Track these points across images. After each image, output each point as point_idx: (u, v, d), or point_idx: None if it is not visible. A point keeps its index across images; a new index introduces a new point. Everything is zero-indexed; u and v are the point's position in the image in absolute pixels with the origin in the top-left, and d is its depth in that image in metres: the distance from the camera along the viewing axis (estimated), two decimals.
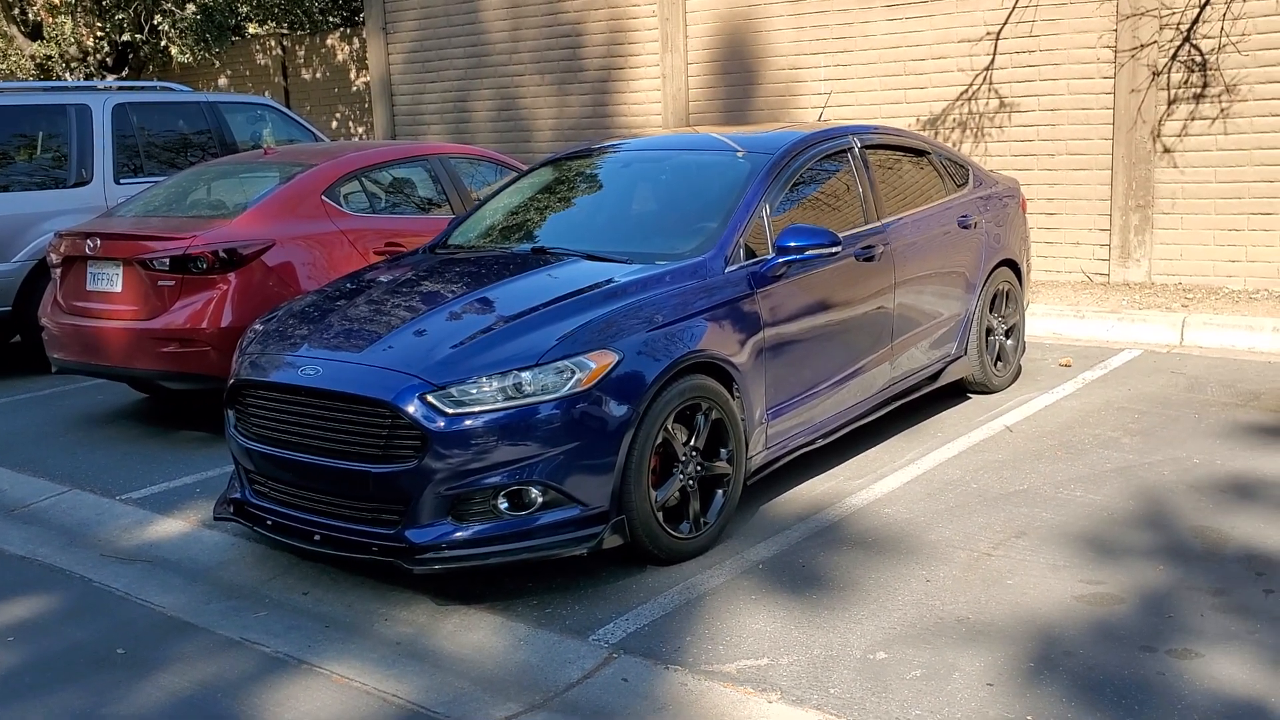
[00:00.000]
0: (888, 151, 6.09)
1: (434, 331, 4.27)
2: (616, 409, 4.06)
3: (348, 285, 5.02)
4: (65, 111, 8.80)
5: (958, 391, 6.63)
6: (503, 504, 3.98)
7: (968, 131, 9.46)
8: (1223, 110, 8.34)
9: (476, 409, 3.92)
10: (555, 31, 12.10)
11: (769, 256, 4.86)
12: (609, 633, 3.85)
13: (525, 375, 3.98)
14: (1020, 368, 7.15)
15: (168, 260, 6.20)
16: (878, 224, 5.61)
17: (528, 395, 3.96)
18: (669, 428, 4.27)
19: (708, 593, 4.13)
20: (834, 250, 4.87)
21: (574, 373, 4.02)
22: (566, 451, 3.98)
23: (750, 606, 4.01)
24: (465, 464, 3.91)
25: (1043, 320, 8.30)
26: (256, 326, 4.83)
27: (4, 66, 18.14)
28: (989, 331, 6.59)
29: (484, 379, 3.97)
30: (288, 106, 17.69)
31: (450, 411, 3.91)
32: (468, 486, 3.93)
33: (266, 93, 17.61)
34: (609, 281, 4.52)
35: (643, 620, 3.93)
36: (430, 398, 3.93)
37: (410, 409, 3.91)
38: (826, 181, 5.60)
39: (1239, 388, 6.56)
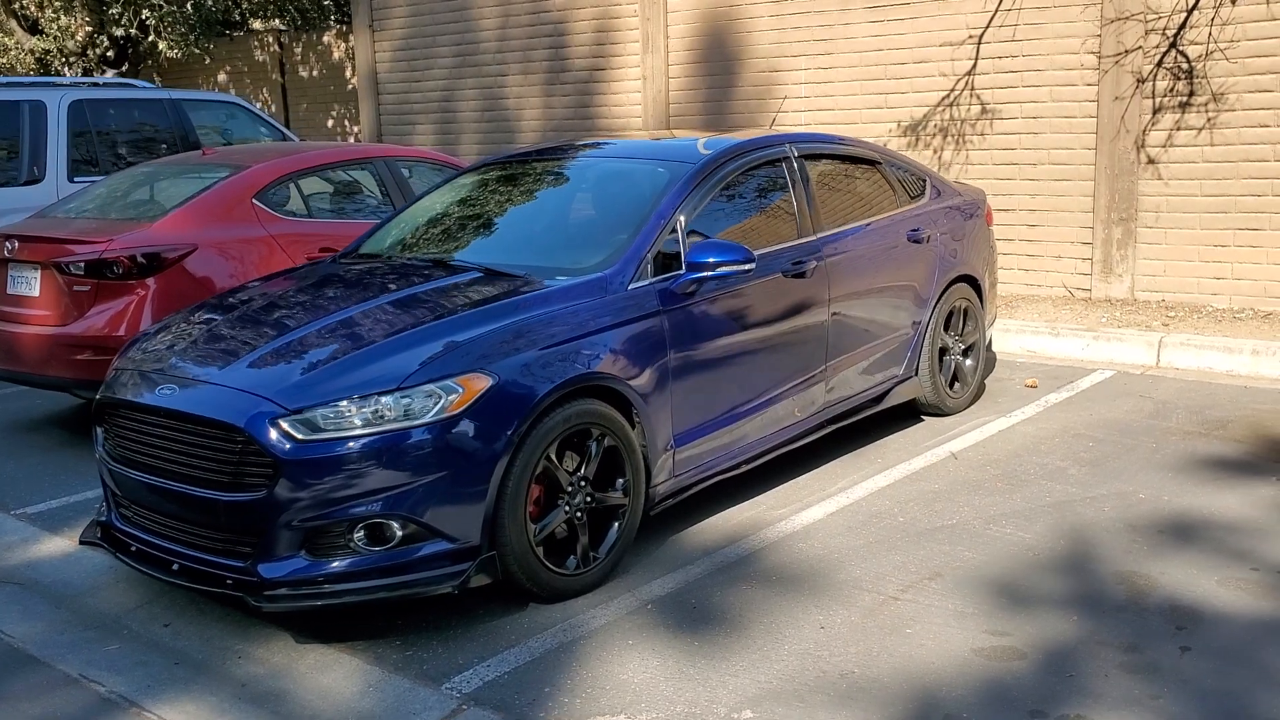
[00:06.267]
0: (830, 161, 5.78)
1: (299, 350, 4.01)
2: (487, 437, 3.78)
3: (232, 297, 4.77)
4: (19, 108, 8.62)
5: (912, 413, 6.31)
6: (360, 538, 3.71)
7: (949, 138, 9.12)
8: (1209, 120, 7.96)
9: (332, 436, 3.66)
10: (540, 30, 11.84)
11: (680, 273, 4.57)
12: (465, 680, 3.57)
13: (386, 400, 3.71)
14: (984, 388, 6.83)
15: (83, 264, 5.99)
16: (812, 238, 5.30)
17: (388, 421, 3.69)
18: (551, 457, 3.99)
19: (585, 635, 3.85)
20: (748, 267, 4.57)
21: (440, 397, 3.75)
22: (430, 482, 3.71)
23: (625, 653, 3.72)
24: (319, 494, 3.64)
25: (1017, 337, 7.96)
26: (136, 339, 4.59)
27: (4, 61, 18.09)
28: (943, 351, 6.26)
29: (343, 403, 3.70)
30: (285, 104, 17.52)
31: (302, 438, 3.64)
32: (322, 519, 3.67)
33: (264, 90, 17.46)
34: (498, 298, 4.24)
35: (506, 666, 3.65)
36: (283, 422, 3.67)
37: (260, 434, 3.65)
38: (757, 192, 5.30)
39: (1207, 414, 6.20)
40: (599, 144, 5.81)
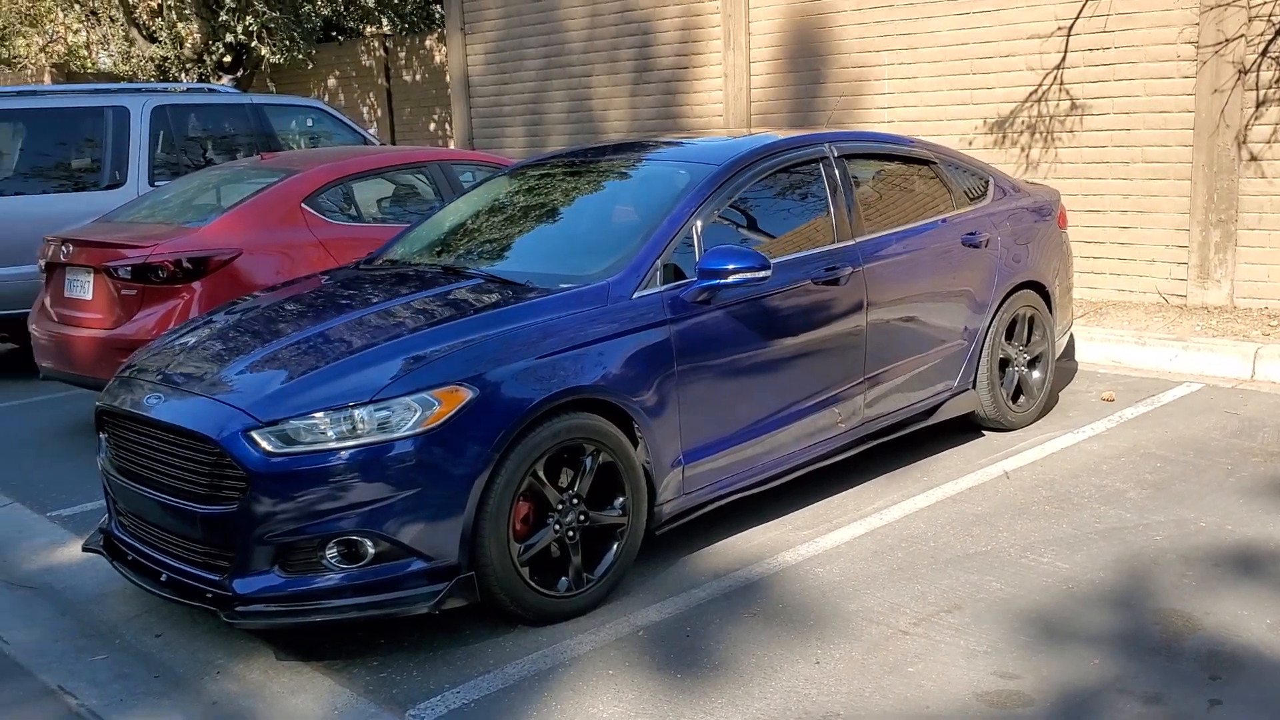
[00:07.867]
0: (876, 161, 5.49)
1: (284, 359, 3.92)
2: (467, 452, 3.63)
3: (243, 303, 4.72)
4: (102, 114, 8.82)
5: (972, 427, 5.96)
6: (332, 556, 3.60)
7: (1037, 136, 8.65)
8: None
9: (305, 449, 3.55)
10: (625, 30, 11.70)
11: (691, 280, 4.35)
12: (431, 707, 3.42)
13: (360, 412, 3.59)
14: (1055, 400, 6.43)
15: (129, 269, 6.06)
16: (850, 242, 5.01)
17: (362, 435, 3.57)
18: (539, 473, 3.81)
19: (566, 663, 3.66)
20: (762, 275, 4.32)
21: (417, 410, 3.61)
22: (405, 499, 3.57)
23: (603, 684, 3.53)
24: (290, 509, 3.54)
25: (1102, 346, 7.49)
26: (144, 347, 4.58)
27: (126, 68, 18.75)
28: (1005, 363, 5.89)
29: (318, 415, 3.59)
30: (390, 108, 17.76)
31: (275, 451, 3.54)
32: (294, 534, 3.56)
33: (370, 94, 17.73)
34: (490, 307, 4.08)
35: (477, 694, 3.49)
36: (256, 434, 3.57)
37: (233, 446, 3.57)
38: (789, 195, 5.04)
39: None
40: (635, 144, 5.61)
